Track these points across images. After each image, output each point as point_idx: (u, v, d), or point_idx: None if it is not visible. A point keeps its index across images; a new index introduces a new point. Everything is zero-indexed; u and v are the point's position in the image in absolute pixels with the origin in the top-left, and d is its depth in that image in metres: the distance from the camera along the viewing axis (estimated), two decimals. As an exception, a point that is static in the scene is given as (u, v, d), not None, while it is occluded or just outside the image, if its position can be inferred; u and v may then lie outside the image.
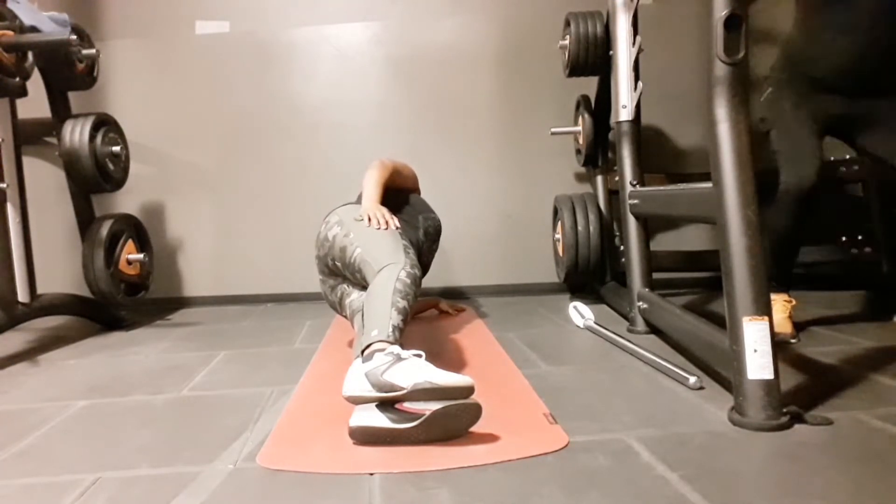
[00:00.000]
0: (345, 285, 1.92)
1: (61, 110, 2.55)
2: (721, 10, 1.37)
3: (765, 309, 1.27)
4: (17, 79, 2.21)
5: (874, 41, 1.79)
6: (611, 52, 2.36)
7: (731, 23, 1.36)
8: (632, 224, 2.20)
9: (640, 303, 2.08)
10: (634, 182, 2.24)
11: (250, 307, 3.05)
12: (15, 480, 1.14)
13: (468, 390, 1.17)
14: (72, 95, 2.62)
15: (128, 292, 2.64)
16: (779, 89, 1.99)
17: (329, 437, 1.24)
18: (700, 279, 2.92)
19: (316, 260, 1.94)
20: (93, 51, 2.58)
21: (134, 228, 2.74)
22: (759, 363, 1.23)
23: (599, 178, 2.93)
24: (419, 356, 1.24)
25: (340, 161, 3.06)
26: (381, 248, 1.66)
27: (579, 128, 2.91)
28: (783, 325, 1.90)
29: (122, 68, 3.07)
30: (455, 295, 3.06)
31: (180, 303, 3.16)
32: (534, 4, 3.08)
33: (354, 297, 1.87)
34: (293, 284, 3.07)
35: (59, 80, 2.53)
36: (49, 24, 2.32)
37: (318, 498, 1.02)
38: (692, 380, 1.47)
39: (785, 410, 1.22)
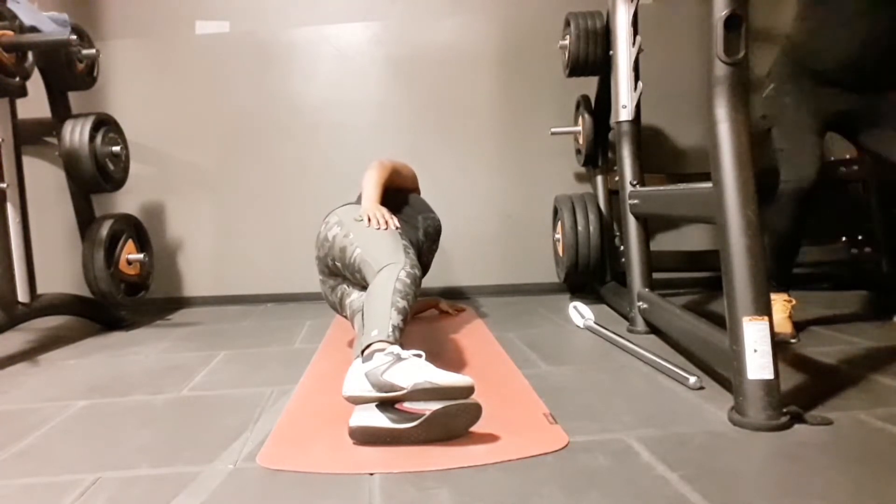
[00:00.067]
0: (345, 285, 1.92)
1: (61, 110, 2.55)
2: (721, 10, 1.37)
3: (765, 309, 1.27)
4: (17, 79, 2.21)
5: (875, 34, 1.78)
6: (611, 52, 2.37)
7: (731, 23, 1.36)
8: (632, 224, 2.20)
9: (640, 303, 2.08)
10: (634, 182, 2.24)
11: (250, 307, 3.05)
12: (15, 480, 1.14)
13: (468, 390, 1.17)
14: (72, 95, 2.63)
15: (128, 292, 2.64)
16: (781, 85, 1.98)
17: (329, 437, 1.24)
18: (700, 279, 2.92)
19: (316, 260, 1.94)
20: (93, 51, 2.58)
21: (134, 228, 2.74)
22: (759, 363, 1.23)
23: (599, 178, 2.93)
24: (419, 356, 1.25)
25: (340, 161, 3.06)
26: (380, 249, 1.66)
27: (579, 128, 2.91)
28: (783, 325, 1.90)
29: (122, 68, 3.07)
30: (455, 295, 3.06)
31: (180, 303, 3.16)
32: (534, 4, 3.08)
33: (354, 297, 1.87)
34: (293, 284, 3.07)
35: (59, 80, 2.53)
36: (49, 24, 2.32)
37: (318, 498, 1.02)
38: (692, 380, 1.47)
39: (785, 410, 1.22)
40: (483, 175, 3.14)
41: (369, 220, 1.78)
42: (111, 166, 2.58)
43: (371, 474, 1.08)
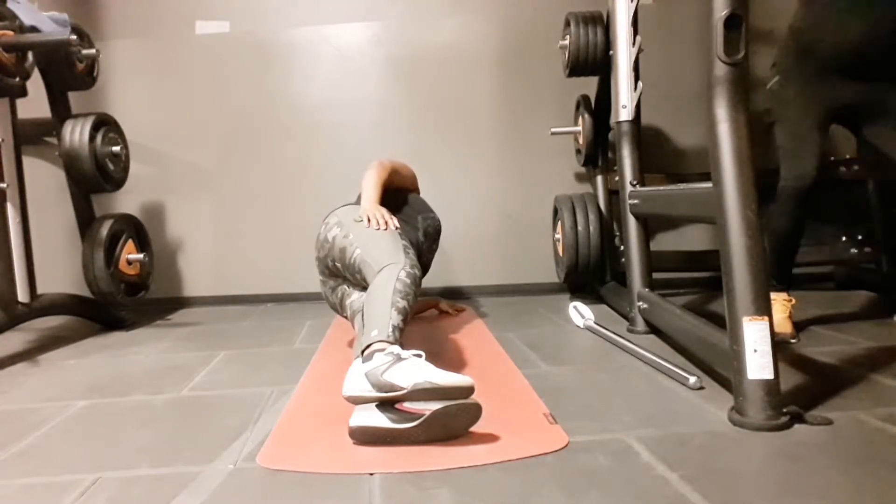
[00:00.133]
0: (345, 286, 1.92)
1: (61, 110, 2.55)
2: (721, 10, 1.37)
3: (765, 309, 1.27)
4: (17, 79, 2.21)
5: (880, 19, 1.75)
6: (611, 52, 2.37)
7: (731, 23, 1.36)
8: (632, 224, 2.20)
9: (640, 303, 2.08)
10: (634, 182, 2.24)
11: (250, 307, 3.05)
12: (15, 480, 1.14)
13: (468, 390, 1.17)
14: (72, 95, 2.62)
15: (128, 292, 2.64)
16: (786, 76, 1.96)
17: (329, 437, 1.24)
18: (700, 279, 2.92)
19: (316, 261, 1.94)
20: (93, 51, 2.58)
21: (134, 228, 2.74)
22: (759, 363, 1.23)
23: (599, 178, 2.93)
24: (419, 356, 1.25)
25: (340, 161, 3.06)
26: (380, 249, 1.66)
27: (579, 128, 2.91)
28: (783, 325, 1.90)
29: (122, 68, 3.07)
30: (455, 295, 3.06)
31: (180, 303, 3.16)
32: (534, 4, 3.08)
33: (355, 297, 1.87)
34: (293, 284, 3.07)
35: (59, 80, 2.53)
36: (49, 24, 2.32)
37: (318, 498, 1.02)
38: (692, 380, 1.47)
39: (785, 410, 1.22)
40: (483, 175, 3.14)
41: (369, 220, 1.78)
42: (111, 166, 2.58)
43: (371, 474, 1.08)
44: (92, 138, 2.46)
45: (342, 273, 1.84)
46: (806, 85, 1.92)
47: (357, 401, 1.22)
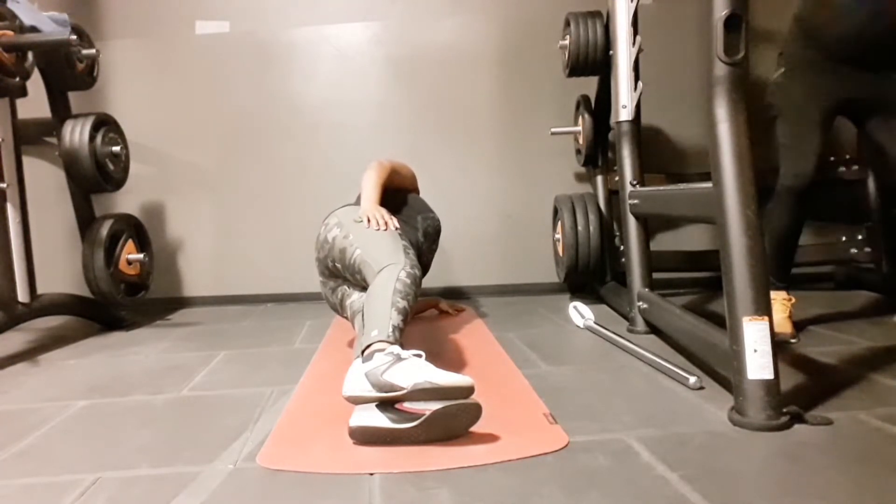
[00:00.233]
0: (345, 287, 1.92)
1: (61, 110, 2.55)
2: (721, 10, 1.37)
3: (765, 309, 1.27)
4: (17, 79, 2.21)
5: (886, 3, 1.72)
6: (611, 52, 2.37)
7: (731, 23, 1.36)
8: (632, 224, 2.20)
9: (640, 303, 2.08)
10: (634, 182, 2.24)
11: (250, 307, 3.05)
12: (15, 480, 1.14)
13: (468, 390, 1.17)
14: (72, 95, 2.62)
15: (128, 292, 2.64)
16: (791, 67, 1.94)
17: (329, 437, 1.24)
18: (700, 279, 2.92)
19: (316, 262, 1.94)
20: (93, 51, 2.58)
21: (134, 228, 2.74)
22: (759, 363, 1.23)
23: (599, 178, 2.93)
24: (419, 356, 1.25)
25: (340, 161, 3.06)
26: (380, 249, 1.66)
27: (579, 128, 2.91)
28: (783, 325, 1.90)
29: (122, 68, 3.07)
30: (455, 295, 3.06)
31: (180, 303, 3.16)
32: (534, 4, 3.08)
33: (355, 297, 1.87)
34: (293, 284, 3.07)
35: (59, 80, 2.53)
36: (49, 24, 2.32)
37: (318, 498, 1.02)
38: (692, 380, 1.47)
39: (785, 410, 1.22)
40: (483, 175, 3.14)
41: (369, 221, 1.78)
42: (111, 166, 2.58)
43: (371, 474, 1.08)
44: (92, 138, 2.46)
45: (342, 274, 1.84)
46: (812, 76, 1.89)
47: (357, 401, 1.22)
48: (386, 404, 1.19)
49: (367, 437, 1.18)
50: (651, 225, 2.32)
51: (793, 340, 1.88)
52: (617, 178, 2.34)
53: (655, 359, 1.66)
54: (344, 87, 3.12)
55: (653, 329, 2.05)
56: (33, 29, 2.24)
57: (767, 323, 1.25)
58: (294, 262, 3.00)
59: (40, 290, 2.39)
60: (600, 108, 2.75)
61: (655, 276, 2.19)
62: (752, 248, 1.29)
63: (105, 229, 2.53)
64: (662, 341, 1.95)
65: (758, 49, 2.66)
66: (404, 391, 1.15)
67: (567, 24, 2.63)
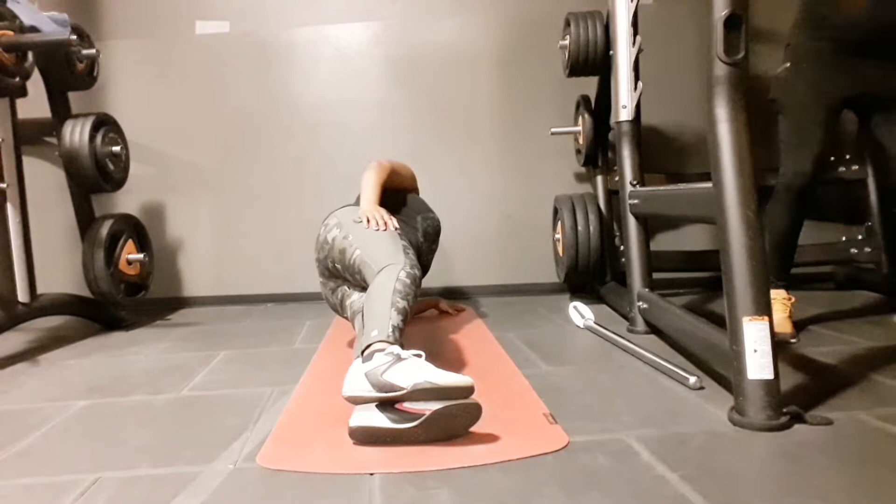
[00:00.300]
0: (345, 287, 1.92)
1: (61, 110, 2.55)
2: (721, 10, 1.37)
3: (765, 309, 1.27)
4: (17, 79, 2.21)
5: None
6: (611, 52, 2.37)
7: (731, 23, 1.36)
8: (632, 224, 2.20)
9: (640, 303, 2.08)
10: (634, 182, 2.24)
11: (250, 307, 3.05)
12: (15, 480, 1.14)
13: (468, 390, 1.17)
14: (72, 95, 2.63)
15: (128, 292, 2.65)
16: (797, 61, 1.92)
17: (329, 437, 1.24)
18: (700, 279, 2.92)
19: (316, 263, 1.94)
20: (93, 51, 2.58)
21: (134, 228, 2.74)
22: (759, 363, 1.23)
23: (599, 178, 2.93)
24: (419, 356, 1.25)
25: (340, 161, 3.06)
26: (380, 249, 1.66)
27: (579, 128, 2.91)
28: (783, 325, 1.90)
29: (122, 68, 3.07)
30: (455, 295, 3.06)
31: (180, 303, 3.16)
32: (534, 4, 3.08)
33: (355, 298, 1.87)
34: (293, 284, 3.07)
35: (59, 80, 2.53)
36: (49, 24, 2.32)
37: (318, 498, 1.02)
38: (692, 380, 1.47)
39: (785, 410, 1.22)
40: (483, 175, 3.14)
41: (368, 221, 1.78)
42: (111, 166, 2.58)
43: (371, 474, 1.08)
44: (92, 138, 2.46)
45: (342, 274, 1.84)
46: (818, 69, 1.87)
47: (357, 401, 1.22)
48: (386, 404, 1.19)
49: (367, 437, 1.18)
50: (651, 225, 2.32)
51: (793, 340, 1.88)
52: (617, 178, 2.34)
53: (655, 359, 1.66)
54: (344, 87, 3.12)
55: (653, 329, 2.05)
56: (33, 29, 2.24)
57: (767, 323, 1.25)
58: (294, 262, 3.00)
59: (40, 290, 2.39)
60: (600, 108, 2.75)
61: (655, 276, 2.19)
62: (752, 248, 1.29)
63: (105, 229, 2.53)
64: (662, 341, 1.95)
65: (761, 47, 2.68)
66: (404, 391, 1.15)
67: (567, 24, 2.63)
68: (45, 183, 2.75)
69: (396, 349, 1.27)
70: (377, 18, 3.12)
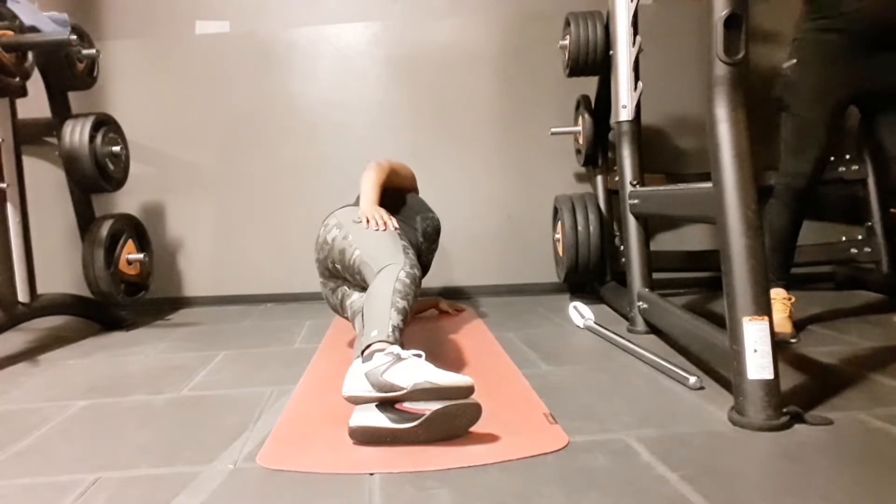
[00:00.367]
0: (345, 287, 1.92)
1: (61, 110, 2.55)
2: (721, 10, 1.37)
3: (765, 309, 1.27)
4: (17, 79, 2.21)
5: None
6: (611, 52, 2.36)
7: (731, 23, 1.36)
8: (632, 224, 2.20)
9: (640, 303, 2.08)
10: (634, 182, 2.24)
11: (250, 307, 3.05)
12: (15, 480, 1.14)
13: (468, 390, 1.17)
14: (72, 95, 2.62)
15: (128, 292, 2.65)
16: (804, 58, 1.89)
17: (329, 437, 1.24)
18: (700, 279, 2.92)
19: (316, 263, 1.94)
20: (93, 51, 2.58)
21: (134, 228, 2.74)
22: (759, 363, 1.23)
23: (599, 178, 2.93)
24: (419, 356, 1.25)
25: (340, 161, 3.06)
26: (380, 249, 1.66)
27: (579, 128, 2.91)
28: (783, 325, 1.90)
29: (122, 68, 3.07)
30: (455, 295, 3.06)
31: (180, 303, 3.16)
32: (533, 4, 3.08)
33: (355, 298, 1.87)
34: (293, 284, 3.07)
35: (59, 80, 2.53)
36: (49, 24, 2.32)
37: (318, 498, 1.02)
38: (692, 380, 1.47)
39: (785, 410, 1.22)
40: (483, 175, 3.14)
41: (368, 221, 1.78)
42: (111, 166, 2.58)
43: (371, 474, 1.08)
44: (92, 138, 2.46)
45: (342, 274, 1.84)
46: (826, 66, 1.85)
47: (357, 401, 1.22)
48: (386, 404, 1.19)
49: (367, 437, 1.18)
50: (651, 225, 2.32)
51: (793, 340, 1.88)
52: (617, 178, 2.34)
53: (655, 359, 1.66)
54: (344, 87, 3.12)
55: (653, 329, 2.05)
56: (33, 29, 2.24)
57: (767, 323, 1.25)
58: (294, 262, 3.00)
59: (40, 290, 2.39)
60: (600, 108, 2.75)
61: (655, 276, 2.19)
62: (752, 248, 1.29)
63: (105, 229, 2.53)
64: (662, 341, 1.95)
65: (764, 46, 2.68)
66: (404, 391, 1.15)
67: (567, 24, 2.63)
68: (45, 183, 2.75)
69: (396, 349, 1.27)
70: (377, 18, 3.12)
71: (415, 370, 1.17)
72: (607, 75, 2.46)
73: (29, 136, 2.56)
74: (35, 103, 2.44)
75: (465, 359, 1.82)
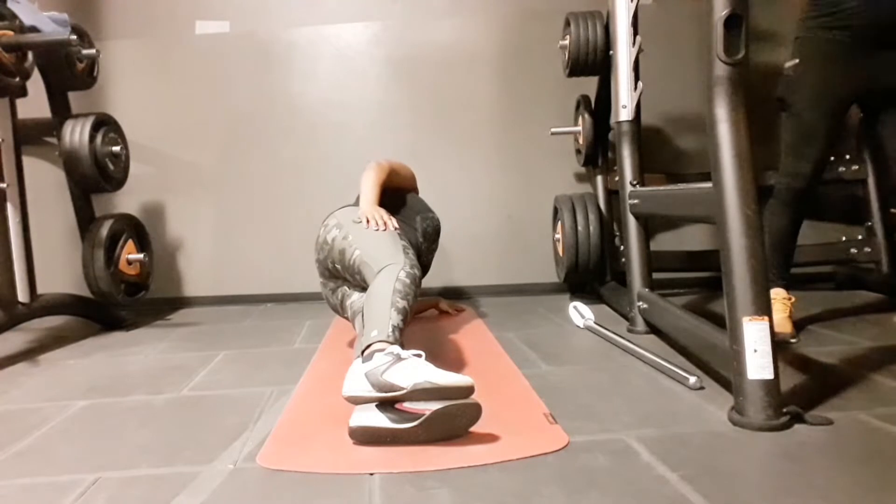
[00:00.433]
0: (345, 287, 1.92)
1: (61, 110, 2.55)
2: (721, 10, 1.37)
3: (765, 309, 1.27)
4: (17, 79, 2.21)
5: None
6: (611, 52, 2.36)
7: (732, 23, 1.36)
8: (632, 224, 2.20)
9: (640, 303, 2.08)
10: (634, 182, 2.24)
11: (250, 307, 3.05)
12: (15, 480, 1.14)
13: (468, 390, 1.17)
14: (72, 95, 2.63)
15: (128, 292, 2.64)
16: (806, 57, 1.88)
17: (329, 437, 1.24)
18: (700, 279, 2.91)
19: (316, 264, 1.94)
20: (93, 51, 2.58)
21: (134, 228, 2.74)
22: (759, 363, 1.23)
23: (599, 178, 2.93)
24: (419, 356, 1.25)
25: (340, 161, 3.06)
26: (380, 249, 1.66)
27: (579, 128, 2.91)
28: (783, 325, 1.90)
29: (122, 68, 3.07)
30: (455, 295, 3.06)
31: (180, 303, 3.16)
32: (534, 4, 3.08)
33: (355, 298, 1.87)
34: (293, 284, 3.07)
35: (59, 80, 2.53)
36: (49, 24, 2.32)
37: (318, 498, 1.02)
38: (692, 380, 1.47)
39: (785, 410, 1.22)
40: (483, 175, 3.14)
41: (367, 221, 1.78)
42: (111, 166, 2.58)
43: (371, 474, 1.08)
44: (92, 138, 2.46)
45: (342, 274, 1.84)
46: (828, 65, 1.84)
47: (357, 401, 1.22)
48: (386, 404, 1.19)
49: (367, 437, 1.18)
50: (651, 225, 2.32)
51: (793, 340, 1.88)
52: (617, 178, 2.33)
53: (655, 359, 1.66)
54: (344, 87, 3.12)
55: (653, 329, 2.05)
56: (33, 29, 2.24)
57: (767, 323, 1.25)
58: (294, 262, 3.00)
59: (40, 290, 2.39)
60: (600, 108, 2.75)
61: (655, 276, 2.19)
62: (752, 248, 1.29)
63: (105, 229, 2.53)
64: (662, 341, 1.95)
65: (764, 46, 2.68)
66: (404, 391, 1.15)
67: (567, 24, 2.63)
68: (45, 183, 2.75)
69: (396, 349, 1.27)
70: (377, 18, 3.12)
71: (415, 370, 1.17)
72: (607, 75, 2.46)
73: (29, 136, 2.56)
74: (35, 103, 2.44)
75: (465, 359, 1.82)
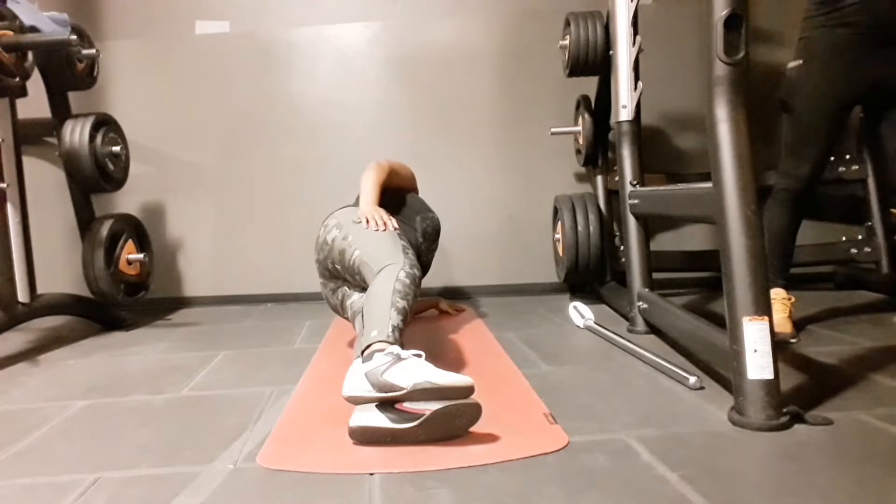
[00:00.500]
0: (345, 287, 1.92)
1: (61, 110, 2.55)
2: (721, 10, 1.37)
3: (765, 309, 1.27)
4: (17, 79, 2.21)
5: None
6: (611, 52, 2.36)
7: (732, 23, 1.36)
8: (632, 224, 2.20)
9: (640, 303, 2.08)
10: (634, 182, 2.24)
11: (250, 307, 3.05)
12: (15, 480, 1.14)
13: (468, 390, 1.17)
14: (72, 95, 2.62)
15: (128, 292, 2.65)
16: (809, 58, 1.86)
17: (329, 437, 1.24)
18: (700, 279, 2.92)
19: (316, 264, 1.94)
20: (93, 51, 2.58)
21: (134, 228, 2.74)
22: (759, 363, 1.23)
23: (599, 178, 2.93)
24: (419, 356, 1.25)
25: (340, 161, 3.06)
26: (379, 250, 1.66)
27: (579, 128, 2.91)
28: (783, 325, 1.90)
29: (122, 68, 3.07)
30: (455, 295, 3.06)
31: (180, 303, 3.16)
32: (534, 4, 3.08)
33: (355, 298, 1.87)
34: (293, 284, 3.07)
35: (59, 80, 2.53)
36: (49, 24, 2.32)
37: (318, 498, 1.02)
38: (692, 380, 1.47)
39: (785, 410, 1.22)
40: (483, 175, 3.14)
41: (367, 221, 1.78)
42: (111, 166, 2.58)
43: (371, 474, 1.08)
44: (92, 138, 2.46)
45: (342, 275, 1.84)
46: (831, 65, 1.83)
47: (357, 401, 1.22)
48: (386, 404, 1.19)
49: (367, 437, 1.18)
50: (651, 225, 2.32)
51: (793, 340, 1.88)
52: (617, 178, 2.33)
53: (655, 359, 1.66)
54: (344, 87, 3.12)
55: (653, 329, 2.05)
56: (33, 29, 2.24)
57: (767, 323, 1.25)
58: (294, 262, 3.00)
59: (40, 290, 2.39)
60: (600, 108, 2.75)
61: (655, 276, 2.19)
62: (752, 248, 1.29)
63: (105, 229, 2.53)
64: (662, 341, 1.95)
65: (764, 47, 2.68)
66: (404, 391, 1.15)
67: (567, 24, 2.63)
68: (45, 183, 2.76)
69: (396, 349, 1.27)
70: (377, 18, 3.12)
71: (415, 370, 1.17)
72: (607, 75, 2.46)
73: (29, 136, 2.57)
74: (35, 103, 2.44)
75: (465, 359, 1.82)
